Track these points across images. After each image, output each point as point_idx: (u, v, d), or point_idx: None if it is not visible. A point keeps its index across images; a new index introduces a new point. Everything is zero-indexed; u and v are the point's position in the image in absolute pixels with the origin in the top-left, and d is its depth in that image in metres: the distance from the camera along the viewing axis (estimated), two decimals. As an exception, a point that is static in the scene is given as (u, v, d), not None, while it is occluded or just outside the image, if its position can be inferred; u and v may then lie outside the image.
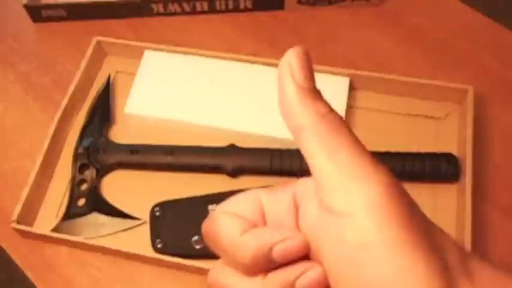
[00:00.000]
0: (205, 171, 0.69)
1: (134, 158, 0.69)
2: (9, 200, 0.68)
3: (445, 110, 0.72)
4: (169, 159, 0.68)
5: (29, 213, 0.67)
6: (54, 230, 0.66)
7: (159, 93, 0.74)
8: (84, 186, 0.69)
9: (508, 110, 0.73)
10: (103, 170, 0.70)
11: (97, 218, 0.66)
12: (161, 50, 0.76)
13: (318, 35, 0.82)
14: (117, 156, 0.69)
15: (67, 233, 0.65)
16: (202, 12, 0.85)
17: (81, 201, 0.68)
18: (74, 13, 0.84)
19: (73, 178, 0.69)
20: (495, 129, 0.72)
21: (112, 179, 0.70)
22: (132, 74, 0.76)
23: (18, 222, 0.64)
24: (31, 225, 0.67)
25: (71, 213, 0.67)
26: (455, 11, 0.83)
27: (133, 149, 0.69)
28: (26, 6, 0.83)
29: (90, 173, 0.69)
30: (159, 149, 0.69)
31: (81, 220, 0.66)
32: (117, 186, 0.70)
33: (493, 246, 0.64)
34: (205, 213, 0.65)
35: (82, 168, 0.69)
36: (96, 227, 0.66)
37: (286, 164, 0.66)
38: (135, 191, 0.69)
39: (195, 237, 0.64)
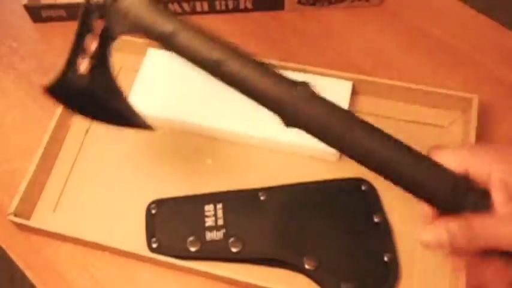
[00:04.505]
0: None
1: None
2: (9, 200, 0.68)
3: (449, 118, 0.71)
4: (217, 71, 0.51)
5: (26, 207, 0.67)
6: (48, 90, 0.52)
7: (160, 92, 0.73)
8: (92, 46, 0.50)
9: (511, 115, 0.73)
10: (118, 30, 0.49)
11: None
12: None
13: (318, 35, 0.82)
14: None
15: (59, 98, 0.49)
16: (202, 12, 0.85)
17: (83, 67, 0.51)
18: (74, 13, 0.84)
19: (79, 31, 0.50)
20: (498, 138, 0.71)
21: (112, 175, 0.70)
22: (135, 70, 0.76)
23: (15, 215, 0.64)
24: (28, 219, 0.67)
25: (68, 78, 0.50)
26: (455, 11, 0.83)
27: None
28: (26, 6, 0.83)
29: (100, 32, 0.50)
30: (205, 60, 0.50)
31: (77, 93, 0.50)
32: (116, 183, 0.69)
33: (493, 247, 0.64)
34: (201, 213, 0.65)
35: (92, 24, 0.50)
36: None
37: None
38: (134, 187, 0.69)
39: (191, 238, 0.63)
